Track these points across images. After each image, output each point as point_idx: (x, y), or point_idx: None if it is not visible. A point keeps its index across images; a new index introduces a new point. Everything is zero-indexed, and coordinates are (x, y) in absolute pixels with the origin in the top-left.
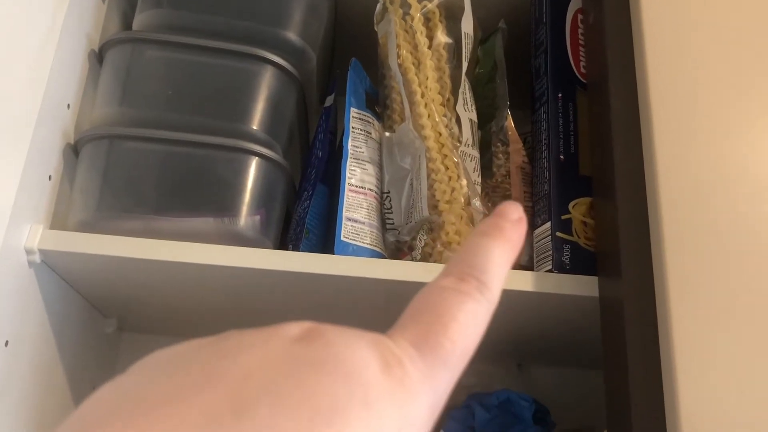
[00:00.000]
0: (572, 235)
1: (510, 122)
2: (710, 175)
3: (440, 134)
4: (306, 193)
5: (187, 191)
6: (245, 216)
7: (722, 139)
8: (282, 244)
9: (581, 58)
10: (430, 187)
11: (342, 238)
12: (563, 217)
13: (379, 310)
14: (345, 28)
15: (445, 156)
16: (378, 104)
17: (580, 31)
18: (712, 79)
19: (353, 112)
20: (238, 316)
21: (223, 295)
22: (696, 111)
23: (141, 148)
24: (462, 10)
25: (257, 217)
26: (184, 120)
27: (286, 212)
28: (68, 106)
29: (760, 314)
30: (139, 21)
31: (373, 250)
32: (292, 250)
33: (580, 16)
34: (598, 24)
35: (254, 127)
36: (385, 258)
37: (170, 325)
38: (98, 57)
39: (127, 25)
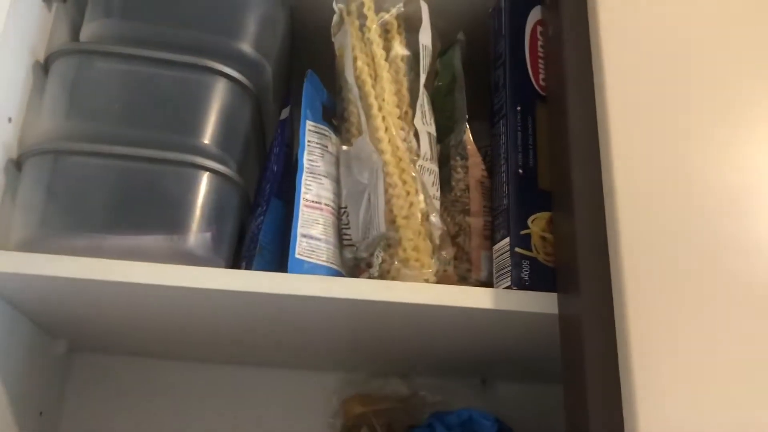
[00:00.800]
0: (531, 251)
1: (469, 136)
2: (669, 188)
3: (398, 148)
4: (260, 208)
5: (136, 208)
6: (196, 233)
7: (681, 153)
8: (236, 261)
9: (540, 71)
10: (388, 202)
11: (296, 256)
12: (522, 233)
13: (337, 330)
14: (302, 39)
15: (403, 170)
16: (335, 117)
17: (539, 43)
18: (670, 92)
19: (309, 125)
20: (192, 336)
21: (175, 315)
22: (654, 125)
23: (87, 163)
24: (420, 21)
25: (208, 235)
26: (133, 134)
27: (240, 228)
28: (10, 119)
29: (720, 330)
30: (87, 31)
31: (330, 268)
32: (245, 267)
33: (539, 29)
34: (556, 36)
35: (206, 142)
36: (343, 275)
37: (124, 345)
38: (44, 68)
39: (74, 35)
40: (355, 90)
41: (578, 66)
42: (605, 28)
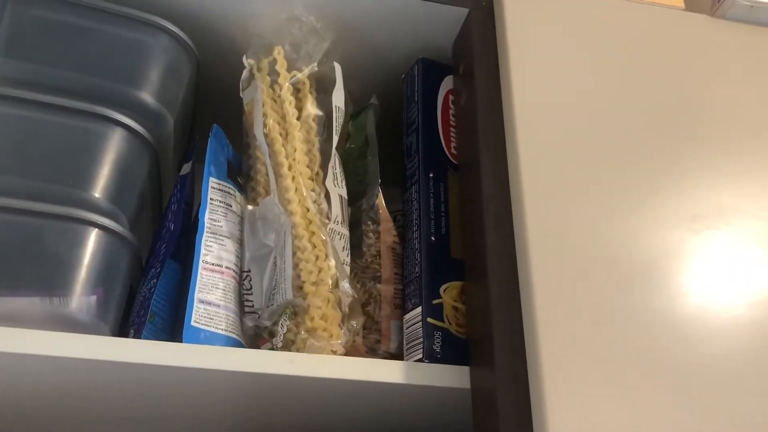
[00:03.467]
0: (443, 322)
1: (381, 200)
2: (583, 257)
3: (308, 210)
4: (153, 270)
5: (9, 266)
6: (79, 296)
7: (594, 222)
8: (123, 328)
9: (452, 139)
10: (296, 266)
11: (192, 323)
12: (434, 302)
13: (234, 404)
14: (208, 92)
15: (313, 233)
16: (241, 174)
17: (451, 111)
18: (583, 161)
19: (212, 182)
20: (70, 412)
21: (56, 389)
22: (568, 194)
23: None
24: (333, 82)
25: (93, 298)
26: (10, 183)
27: (130, 292)
28: None
29: (643, 400)
30: None
31: (229, 337)
32: (134, 336)
33: (451, 97)
34: (469, 106)
35: (96, 195)
36: (243, 346)
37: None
38: None
39: None
40: (264, 147)
41: (491, 135)
42: (519, 98)
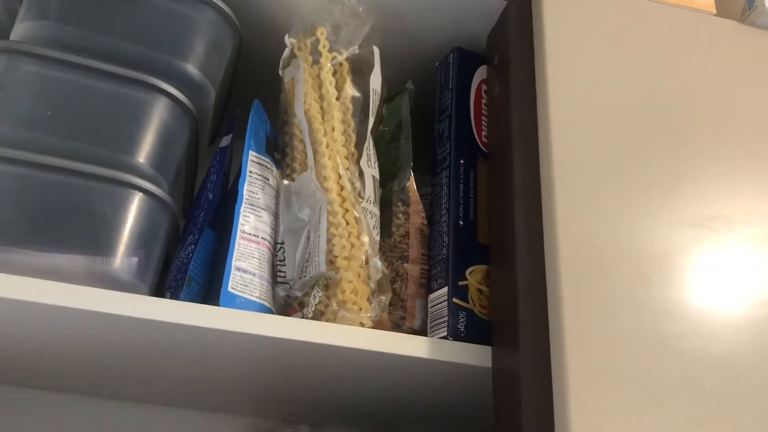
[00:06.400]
0: (468, 303)
1: (412, 183)
2: (610, 246)
3: (343, 188)
4: (191, 237)
5: (56, 223)
6: (121, 256)
7: (622, 213)
8: (158, 290)
9: (483, 128)
10: (329, 241)
11: (229, 289)
12: (460, 283)
13: (262, 370)
14: (246, 68)
15: (347, 211)
16: (277, 150)
17: (483, 101)
18: (612, 157)
19: (252, 155)
20: (107, 368)
21: (91, 344)
22: (596, 187)
23: (3, 170)
24: (370, 66)
25: (135, 259)
26: (60, 144)
27: (166, 256)
28: None
29: (658, 388)
30: (18, 31)
31: (262, 304)
32: (171, 298)
33: (484, 87)
34: (503, 96)
35: (141, 161)
36: (274, 314)
37: (31, 376)
38: None
39: (3, 34)
40: (303, 125)
41: (524, 127)
42: (553, 91)
